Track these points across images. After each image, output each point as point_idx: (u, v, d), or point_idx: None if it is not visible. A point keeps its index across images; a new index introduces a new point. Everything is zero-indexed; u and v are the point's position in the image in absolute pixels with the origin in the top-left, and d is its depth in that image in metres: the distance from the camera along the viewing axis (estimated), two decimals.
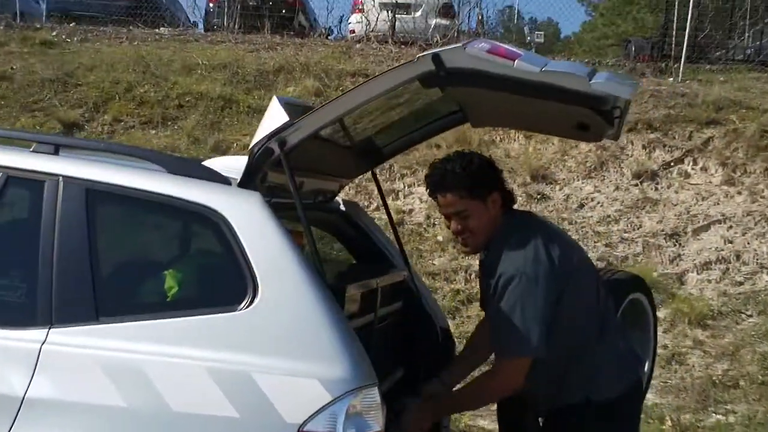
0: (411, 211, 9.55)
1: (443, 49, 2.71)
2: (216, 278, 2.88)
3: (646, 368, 4.35)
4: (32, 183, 2.94)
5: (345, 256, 4.18)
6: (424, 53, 2.73)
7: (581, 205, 9.60)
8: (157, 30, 14.45)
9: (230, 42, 13.50)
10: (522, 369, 3.11)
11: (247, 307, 2.66)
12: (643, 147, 10.35)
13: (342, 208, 3.96)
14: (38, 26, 14.10)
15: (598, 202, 9.64)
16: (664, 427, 6.30)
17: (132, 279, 3.02)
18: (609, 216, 9.39)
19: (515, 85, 2.69)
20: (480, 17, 14.32)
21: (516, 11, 19.88)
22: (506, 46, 2.79)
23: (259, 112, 11.22)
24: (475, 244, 3.26)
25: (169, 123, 11.13)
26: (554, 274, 3.09)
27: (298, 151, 3.09)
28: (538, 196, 9.69)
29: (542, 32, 21.23)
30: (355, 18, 14.89)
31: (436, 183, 3.26)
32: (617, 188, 9.82)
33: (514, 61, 2.64)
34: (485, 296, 3.35)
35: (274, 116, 2.85)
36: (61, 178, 2.89)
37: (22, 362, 2.71)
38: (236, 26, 14.23)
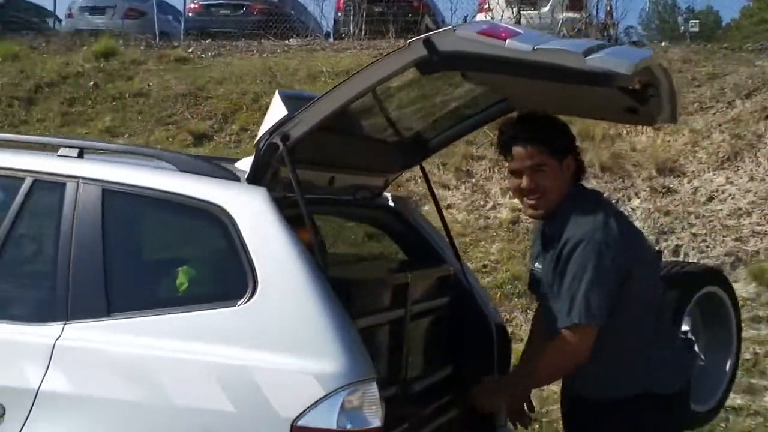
0: None
1: (434, 32, 2.61)
2: (220, 274, 2.91)
3: (728, 366, 4.07)
4: (55, 185, 3.06)
5: (388, 252, 4.12)
6: (416, 38, 2.64)
7: (710, 198, 9.09)
8: (286, 41, 14.79)
9: (355, 49, 13.66)
10: (587, 339, 2.94)
11: (247, 302, 2.65)
12: None
13: (390, 203, 3.89)
14: (176, 44, 14.75)
15: (730, 194, 9.10)
16: None
17: (142, 275, 3.09)
18: (740, 209, 8.85)
19: (509, 65, 2.55)
20: (609, 8, 13.86)
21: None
22: (506, 26, 2.67)
23: None
24: (545, 206, 3.08)
25: None
26: (623, 249, 2.95)
27: (316, 145, 3.07)
28: (663, 190, 9.25)
29: (697, 21, 20.39)
30: (480, 17, 14.73)
31: (515, 135, 3.11)
32: (752, 179, 9.23)
33: (506, 40, 2.51)
34: (543, 271, 3.17)
35: (275, 111, 2.83)
36: (80, 180, 3.00)
37: (37, 357, 2.82)
38: (362, 33, 14.37)
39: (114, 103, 12.27)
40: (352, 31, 14.78)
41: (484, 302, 3.85)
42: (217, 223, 2.78)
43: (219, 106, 11.86)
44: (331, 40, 15.83)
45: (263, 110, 11.55)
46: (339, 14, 15.93)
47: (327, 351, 2.56)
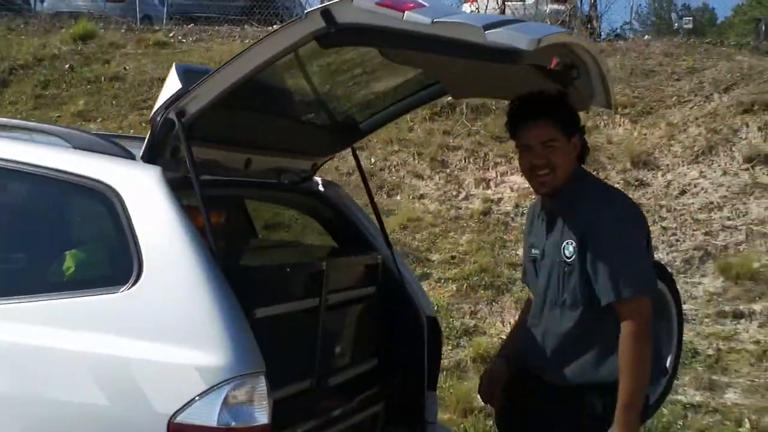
0: (500, 200, 9.19)
1: (332, 3, 2.46)
2: (106, 258, 2.77)
3: (668, 362, 3.93)
4: None
5: (323, 238, 3.97)
6: (313, 8, 2.49)
7: (683, 192, 8.96)
8: (269, 27, 14.60)
9: None
10: (647, 309, 2.86)
11: (129, 288, 2.51)
12: (759, 129, 9.58)
13: (320, 188, 3.74)
14: (157, 28, 14.56)
15: (702, 188, 8.98)
16: (741, 429, 5.74)
17: (24, 258, 2.93)
18: (712, 203, 8.72)
19: (408, 39, 2.41)
20: (593, 0, 13.68)
21: None
22: None
23: None
24: (553, 183, 2.99)
25: None
26: (644, 228, 3.04)
27: (225, 123, 2.93)
28: (636, 183, 9.12)
29: (691, 18, 20.30)
30: (467, 8, 14.57)
31: (527, 110, 3.01)
32: (725, 173, 9.11)
33: (404, 12, 2.36)
34: (545, 252, 3.06)
35: (170, 85, 2.68)
36: None
37: None
38: None
39: (89, 86, 12.09)
40: None
41: (415, 293, 3.70)
42: (105, 202, 2.64)
43: None
44: None
45: None
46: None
47: (211, 342, 2.42)
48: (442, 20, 2.33)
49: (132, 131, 10.49)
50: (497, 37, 2.29)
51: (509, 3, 13.79)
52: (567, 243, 2.95)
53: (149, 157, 2.72)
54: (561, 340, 3.01)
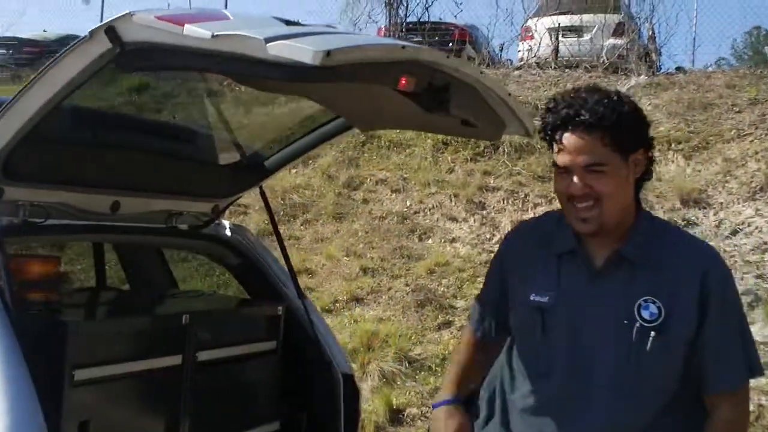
0: None
1: (114, 18, 2.15)
2: None
3: None
4: None
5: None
6: (97, 26, 2.17)
7: (735, 232, 8.29)
8: None
9: None
10: None
11: None
12: None
13: (227, 233, 3.41)
14: None
15: (757, 227, 8.29)
16: None
17: None
18: (767, 243, 8.03)
19: (192, 59, 2.07)
20: (651, 32, 13.03)
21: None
22: (212, 11, 2.18)
23: (399, 145, 10.83)
24: (600, 221, 2.19)
25: (310, 162, 10.94)
26: None
27: (72, 162, 2.65)
28: (684, 223, 8.47)
29: None
30: (524, 45, 14.14)
31: (573, 117, 2.17)
32: None
33: (183, 26, 2.02)
34: (591, 305, 2.26)
35: None
36: None
37: None
38: None
39: None
40: None
41: (330, 348, 3.32)
42: None
43: None
44: None
45: None
46: None
47: None
48: (223, 33, 1.98)
49: None
50: (279, 50, 1.91)
51: (563, 39, 13.30)
52: (645, 301, 2.18)
53: None
54: None
